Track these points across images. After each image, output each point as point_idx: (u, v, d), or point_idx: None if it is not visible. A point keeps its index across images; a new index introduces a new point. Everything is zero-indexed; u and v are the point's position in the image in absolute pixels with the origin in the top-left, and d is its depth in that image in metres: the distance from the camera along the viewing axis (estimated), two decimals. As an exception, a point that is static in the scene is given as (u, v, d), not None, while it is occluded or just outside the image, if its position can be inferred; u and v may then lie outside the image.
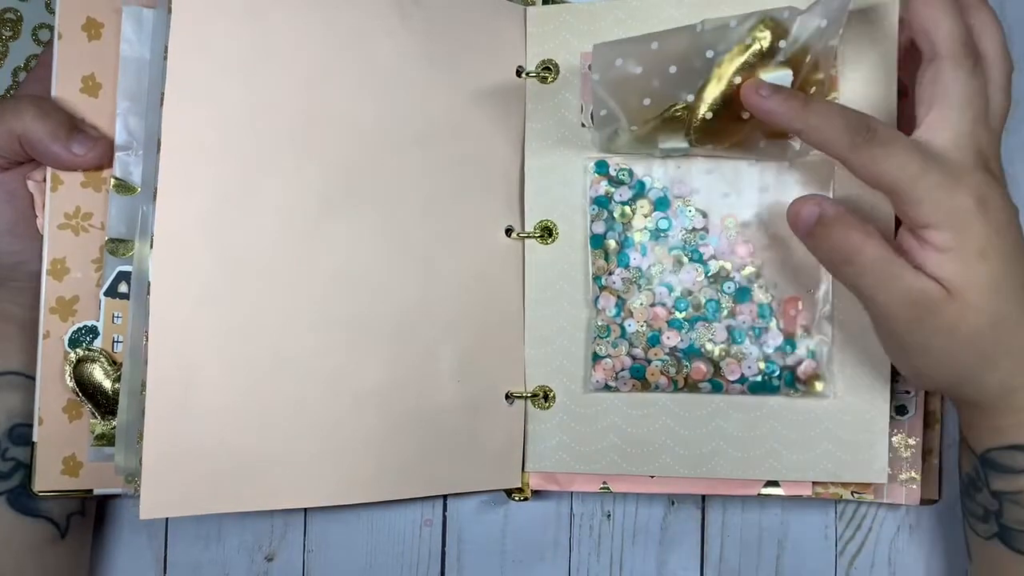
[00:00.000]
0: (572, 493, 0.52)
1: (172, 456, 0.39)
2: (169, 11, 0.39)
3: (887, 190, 0.38)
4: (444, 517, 0.52)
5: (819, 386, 0.46)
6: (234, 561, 0.52)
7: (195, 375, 0.40)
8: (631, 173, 0.47)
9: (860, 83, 0.45)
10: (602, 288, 0.47)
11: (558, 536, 0.52)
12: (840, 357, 0.46)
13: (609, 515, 0.52)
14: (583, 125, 0.48)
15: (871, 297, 0.39)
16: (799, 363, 0.46)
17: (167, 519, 0.52)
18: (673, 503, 0.52)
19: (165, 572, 0.52)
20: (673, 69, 0.42)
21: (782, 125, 0.40)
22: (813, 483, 0.47)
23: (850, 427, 0.46)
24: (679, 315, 0.47)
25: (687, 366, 0.46)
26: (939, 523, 0.51)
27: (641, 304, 0.47)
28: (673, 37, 0.42)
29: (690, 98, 0.43)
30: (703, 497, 0.52)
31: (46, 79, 0.43)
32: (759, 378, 0.46)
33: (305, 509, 0.52)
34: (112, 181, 0.43)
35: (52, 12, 0.51)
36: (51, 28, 0.52)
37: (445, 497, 0.52)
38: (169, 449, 0.39)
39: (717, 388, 0.46)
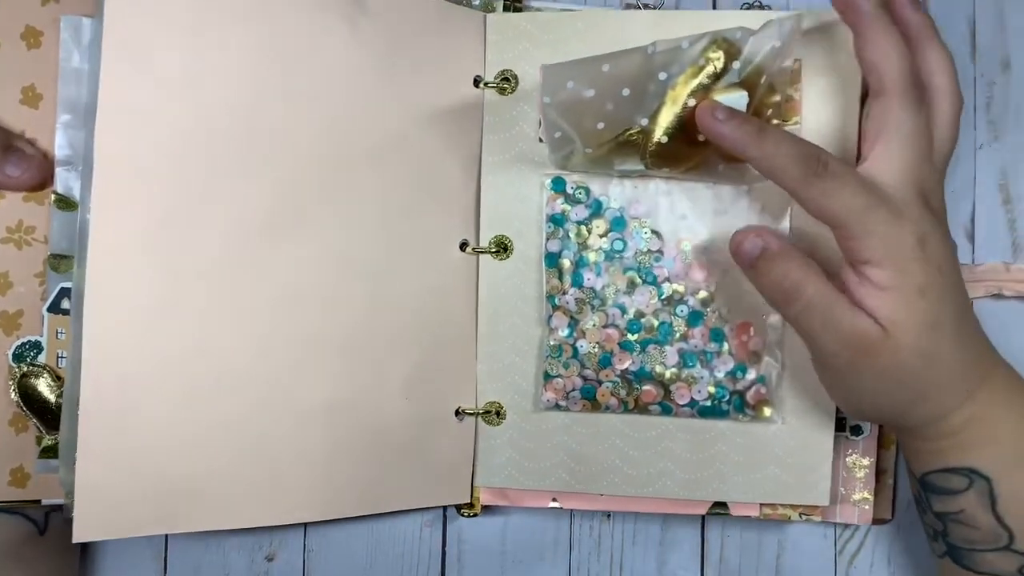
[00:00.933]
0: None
1: (107, 477, 0.39)
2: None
3: (833, 224, 0.38)
4: (444, 518, 0.52)
5: (767, 411, 0.46)
6: (234, 561, 0.52)
7: (132, 395, 0.40)
8: (588, 191, 0.46)
9: (823, 106, 0.44)
10: (555, 307, 0.47)
11: (558, 536, 0.52)
12: (789, 383, 0.46)
13: (609, 515, 0.52)
14: (541, 140, 0.47)
15: (810, 335, 0.39)
16: (748, 388, 0.46)
17: None
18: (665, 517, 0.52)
19: (165, 572, 0.53)
20: (626, 92, 0.41)
21: (735, 151, 0.39)
22: (760, 504, 0.47)
23: (796, 451, 0.46)
24: (631, 337, 0.46)
25: (638, 389, 0.46)
26: (921, 534, 0.51)
27: (594, 325, 0.46)
28: (625, 59, 0.40)
29: (644, 122, 0.42)
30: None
31: None
32: (709, 403, 0.46)
33: None
34: (53, 197, 0.42)
35: None
36: None
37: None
38: (104, 470, 0.39)
39: (667, 411, 0.46)
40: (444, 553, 0.52)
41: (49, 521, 0.47)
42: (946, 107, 0.40)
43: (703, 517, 0.51)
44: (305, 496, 0.44)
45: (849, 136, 0.44)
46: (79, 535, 0.39)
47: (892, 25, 0.38)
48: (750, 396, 0.45)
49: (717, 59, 0.40)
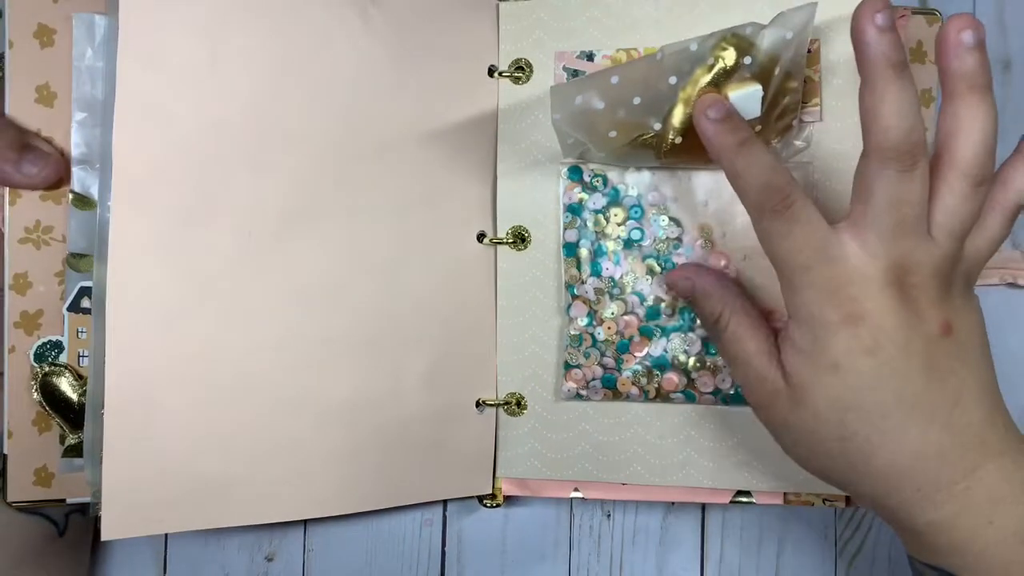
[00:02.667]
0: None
1: (133, 476, 0.40)
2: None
3: (773, 264, 0.36)
4: (444, 517, 0.52)
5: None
6: (234, 561, 0.53)
7: (155, 395, 0.40)
8: (605, 180, 0.46)
9: (843, 88, 0.43)
10: (574, 297, 0.46)
11: (558, 536, 0.52)
12: None
13: (609, 515, 0.52)
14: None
15: (731, 369, 0.40)
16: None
17: None
18: (673, 503, 0.51)
19: (165, 571, 0.53)
20: (637, 100, 0.41)
21: (710, 154, 0.37)
22: (784, 492, 0.47)
23: None
24: (650, 323, 0.46)
25: (659, 376, 0.46)
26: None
27: (613, 314, 0.46)
28: (633, 69, 0.40)
29: (657, 126, 0.41)
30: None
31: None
32: (733, 390, 0.45)
33: None
34: (70, 196, 0.42)
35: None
36: None
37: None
38: (130, 469, 0.39)
39: (690, 398, 0.46)
40: (444, 553, 0.52)
41: (69, 522, 0.48)
42: (954, 181, 0.34)
43: (703, 517, 0.51)
44: (328, 490, 0.44)
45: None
46: (107, 533, 0.39)
47: (905, 72, 0.33)
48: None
49: (727, 56, 0.39)
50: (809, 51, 0.43)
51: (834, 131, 0.44)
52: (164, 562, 0.53)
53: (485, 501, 0.49)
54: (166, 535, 0.53)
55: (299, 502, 0.43)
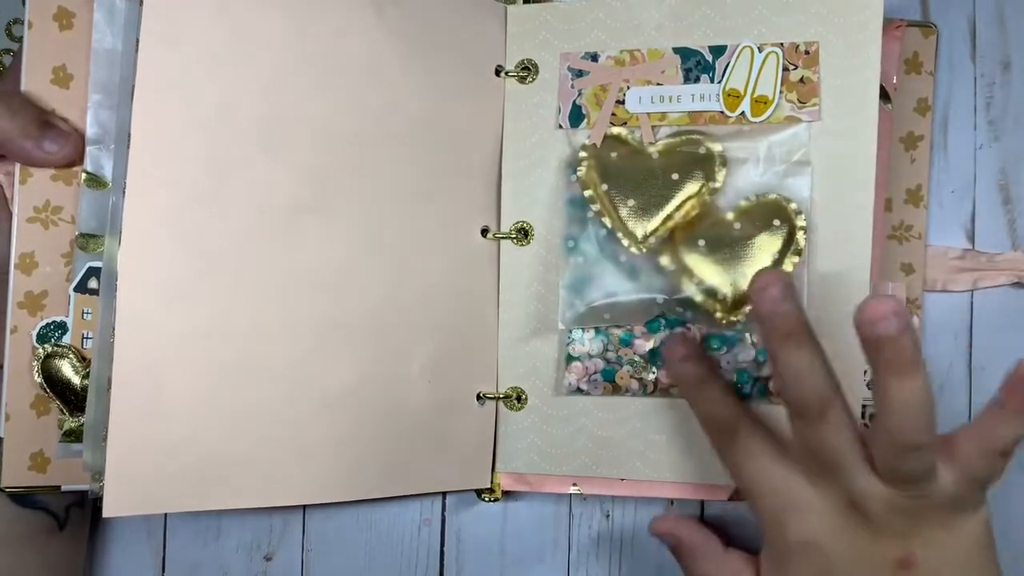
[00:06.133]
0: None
1: (137, 454, 0.39)
2: (140, 2, 0.39)
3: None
4: (443, 517, 0.52)
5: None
6: (233, 560, 0.52)
7: (162, 373, 0.40)
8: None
9: (841, 89, 0.45)
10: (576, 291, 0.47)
11: (558, 536, 0.52)
12: None
13: (608, 515, 0.52)
14: (560, 127, 0.48)
15: None
16: (771, 375, 0.46)
17: (166, 517, 0.52)
18: (672, 503, 0.52)
19: (164, 570, 0.52)
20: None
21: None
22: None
23: None
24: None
25: (655, 370, 0.46)
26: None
27: None
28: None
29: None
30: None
31: (18, 76, 0.42)
32: (733, 387, 0.46)
33: (304, 507, 0.52)
34: (83, 176, 0.42)
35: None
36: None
37: (444, 496, 0.52)
38: (134, 447, 0.39)
39: None
40: (443, 552, 0.52)
41: (69, 515, 0.47)
42: (886, 444, 0.36)
43: (702, 517, 0.51)
44: (329, 476, 0.44)
45: (866, 135, 0.44)
46: (109, 510, 0.38)
47: (802, 338, 0.36)
48: (773, 385, 0.46)
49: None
50: (808, 52, 0.45)
51: (833, 130, 0.45)
52: (163, 562, 0.51)
53: (483, 495, 0.49)
54: (165, 535, 0.52)
55: (300, 486, 0.43)
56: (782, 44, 0.46)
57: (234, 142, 0.41)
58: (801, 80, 0.45)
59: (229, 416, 0.41)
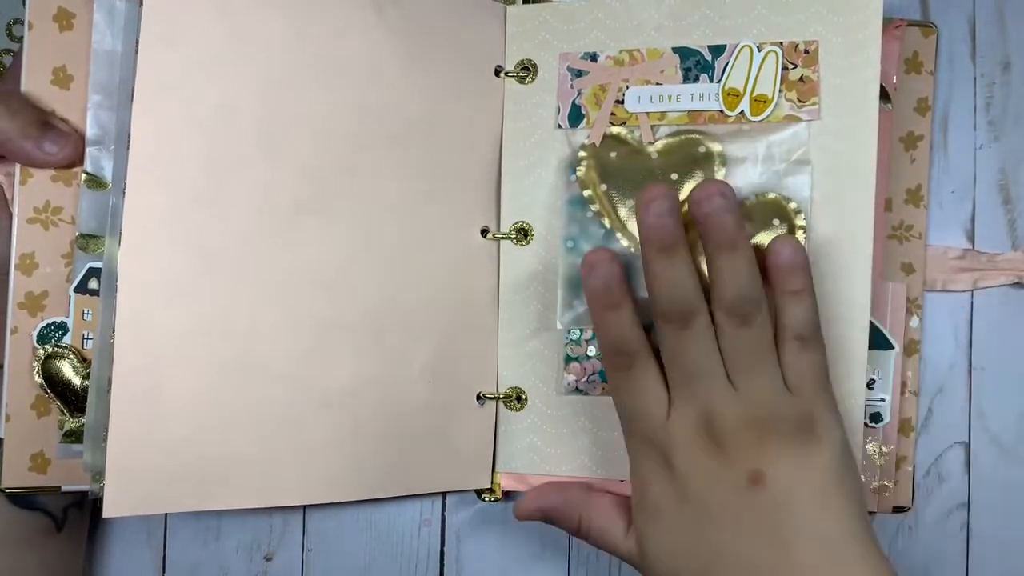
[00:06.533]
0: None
1: (137, 454, 0.39)
2: (141, 3, 0.39)
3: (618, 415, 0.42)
4: (443, 517, 0.52)
5: None
6: (233, 560, 0.52)
7: (162, 373, 0.40)
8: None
9: (841, 88, 0.45)
10: (575, 291, 0.47)
11: (558, 536, 0.52)
12: None
13: None
14: (559, 127, 0.48)
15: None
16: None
17: (166, 517, 0.52)
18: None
19: (164, 571, 0.52)
20: None
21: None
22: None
23: None
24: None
25: None
26: (938, 524, 0.51)
27: None
28: None
29: None
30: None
31: (18, 77, 0.42)
32: None
33: (304, 507, 0.52)
34: (83, 176, 0.42)
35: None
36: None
37: (444, 496, 0.52)
38: (134, 447, 0.39)
39: None
40: (443, 552, 0.52)
41: (67, 517, 0.47)
42: (723, 322, 0.39)
43: None
44: (328, 476, 0.44)
45: (866, 135, 0.44)
46: (109, 510, 0.38)
47: (674, 251, 0.39)
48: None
49: None
50: (807, 51, 0.45)
51: (832, 130, 0.45)
52: (163, 562, 0.51)
53: (484, 495, 0.49)
54: (165, 535, 0.52)
55: (300, 487, 0.43)
56: (781, 43, 0.46)
57: (233, 142, 0.41)
58: (801, 79, 0.45)
59: (229, 416, 0.41)
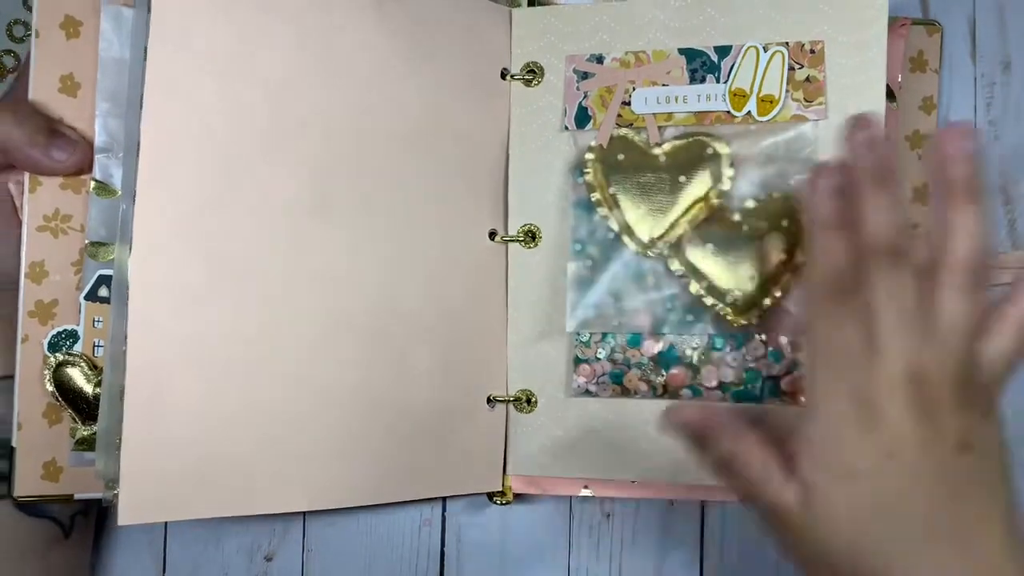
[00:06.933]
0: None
1: (150, 461, 0.39)
2: (148, 10, 0.39)
3: (809, 353, 0.37)
4: (443, 517, 0.52)
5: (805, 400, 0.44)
6: (233, 561, 0.52)
7: (172, 379, 0.40)
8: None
9: (848, 88, 0.45)
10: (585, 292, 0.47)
11: (558, 536, 0.52)
12: None
13: (609, 515, 0.52)
14: (565, 129, 0.48)
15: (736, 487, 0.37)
16: (784, 373, 0.45)
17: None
18: (672, 503, 0.52)
19: (164, 572, 0.52)
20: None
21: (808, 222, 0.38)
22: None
23: None
24: (661, 314, 0.47)
25: (664, 373, 0.46)
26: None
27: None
28: None
29: None
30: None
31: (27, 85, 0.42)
32: (741, 387, 0.46)
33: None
34: (92, 184, 0.42)
35: (28, 8, 0.51)
36: (26, 24, 0.52)
37: (444, 497, 0.52)
38: (148, 454, 0.39)
39: (697, 394, 0.46)
40: (443, 553, 0.52)
41: (74, 524, 0.47)
42: (948, 283, 0.35)
43: (702, 518, 0.51)
44: (339, 481, 0.44)
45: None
46: (124, 518, 0.38)
47: (887, 182, 0.36)
48: (785, 383, 0.45)
49: None
50: (813, 51, 0.46)
51: (839, 128, 0.44)
52: (163, 563, 0.51)
53: (495, 498, 0.49)
54: (166, 537, 0.52)
55: (312, 492, 0.43)
56: (787, 43, 0.46)
57: (241, 146, 0.41)
58: (807, 79, 0.46)
59: (242, 422, 0.41)
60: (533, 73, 0.48)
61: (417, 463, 0.46)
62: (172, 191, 0.40)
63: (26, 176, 0.42)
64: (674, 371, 0.46)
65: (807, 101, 0.46)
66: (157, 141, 0.39)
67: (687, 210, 0.46)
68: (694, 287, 0.46)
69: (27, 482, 0.42)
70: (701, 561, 0.52)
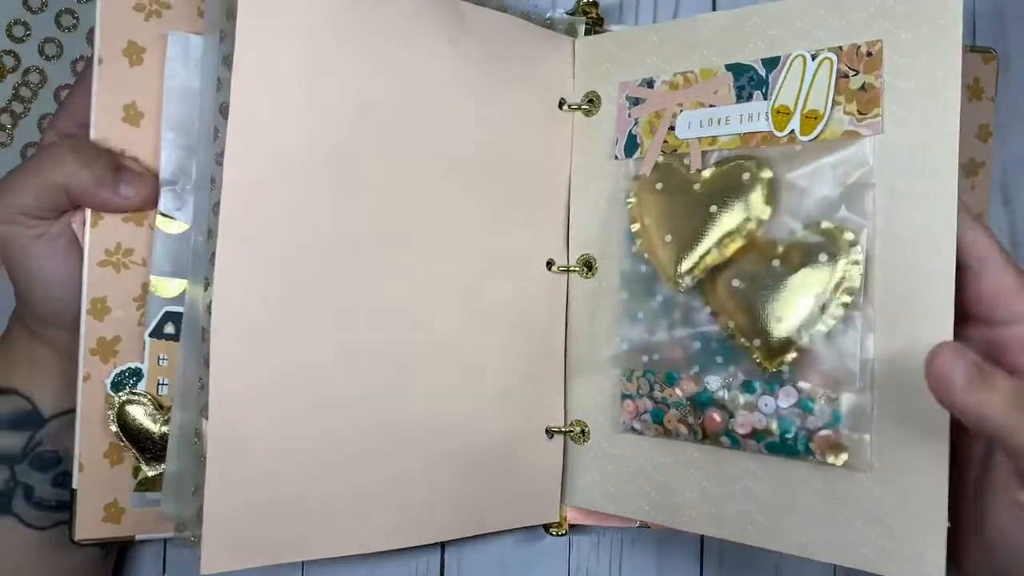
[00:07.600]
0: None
1: (232, 506, 0.38)
2: (221, 40, 0.38)
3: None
4: None
5: (838, 458, 0.40)
6: None
7: (251, 421, 0.39)
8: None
9: (911, 93, 0.39)
10: (632, 325, 0.46)
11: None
12: (882, 422, 0.39)
13: None
14: (616, 158, 0.47)
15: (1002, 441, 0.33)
16: (817, 429, 0.40)
17: None
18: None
19: (164, 573, 0.50)
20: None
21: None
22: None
23: (893, 509, 0.38)
24: (696, 349, 0.44)
25: (701, 414, 0.44)
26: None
27: (663, 341, 0.45)
28: None
29: None
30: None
31: (80, 110, 0.41)
32: (777, 439, 0.41)
33: None
34: (157, 217, 0.41)
35: (29, 9, 0.51)
36: (26, 24, 0.51)
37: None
38: (229, 499, 0.38)
39: (735, 443, 0.43)
40: (443, 549, 0.52)
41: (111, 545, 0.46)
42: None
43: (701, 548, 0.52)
44: (410, 518, 0.43)
45: (945, 147, 0.38)
46: (208, 566, 0.37)
47: None
48: (817, 439, 0.40)
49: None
50: (870, 53, 0.40)
51: (900, 145, 0.39)
52: (164, 562, 0.50)
53: (552, 529, 0.49)
54: (165, 543, 0.50)
55: (388, 530, 0.43)
56: (840, 48, 0.41)
57: (317, 181, 0.40)
58: (862, 87, 0.40)
59: (318, 462, 0.40)
60: (592, 103, 0.48)
61: (482, 495, 0.46)
62: (253, 228, 0.38)
63: (87, 211, 0.41)
64: (711, 414, 0.44)
65: (861, 114, 0.40)
66: (238, 177, 0.38)
67: (718, 243, 0.43)
68: (723, 327, 0.43)
69: (88, 524, 0.41)
70: (701, 561, 0.52)
